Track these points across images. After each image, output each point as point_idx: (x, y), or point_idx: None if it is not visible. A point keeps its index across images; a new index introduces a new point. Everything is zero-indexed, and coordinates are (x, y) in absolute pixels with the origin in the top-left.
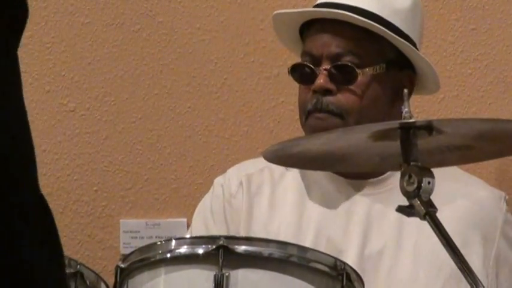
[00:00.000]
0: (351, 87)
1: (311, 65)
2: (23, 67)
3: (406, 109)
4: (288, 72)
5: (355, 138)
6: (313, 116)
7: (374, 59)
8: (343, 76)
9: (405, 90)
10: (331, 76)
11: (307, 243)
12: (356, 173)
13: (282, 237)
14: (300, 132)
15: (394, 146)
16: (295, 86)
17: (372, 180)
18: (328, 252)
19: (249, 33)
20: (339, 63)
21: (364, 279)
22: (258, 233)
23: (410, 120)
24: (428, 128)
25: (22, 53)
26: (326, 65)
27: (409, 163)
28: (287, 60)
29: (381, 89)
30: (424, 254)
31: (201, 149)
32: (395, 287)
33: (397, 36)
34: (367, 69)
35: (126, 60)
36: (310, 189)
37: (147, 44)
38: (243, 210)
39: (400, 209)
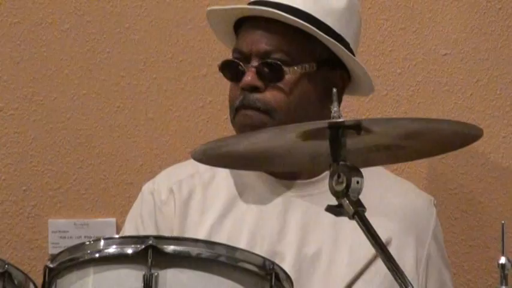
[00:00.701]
0: (279, 84)
1: (240, 62)
2: None
3: (336, 108)
4: (219, 69)
5: (284, 138)
6: (240, 113)
7: (304, 58)
8: (271, 73)
9: (334, 90)
10: (259, 73)
11: (242, 246)
12: (289, 174)
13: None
14: (229, 132)
15: (323, 145)
16: (223, 85)
17: (306, 181)
18: (264, 254)
19: (177, 33)
20: (267, 60)
21: (301, 280)
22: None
23: (339, 120)
24: (357, 127)
25: None
26: (254, 62)
27: (338, 162)
28: (215, 60)
29: (311, 88)
30: (361, 255)
31: (130, 148)
32: (332, 287)
33: (327, 36)
34: (296, 68)
35: (54, 60)
36: (243, 191)
37: (76, 44)
38: (175, 216)
39: (329, 209)
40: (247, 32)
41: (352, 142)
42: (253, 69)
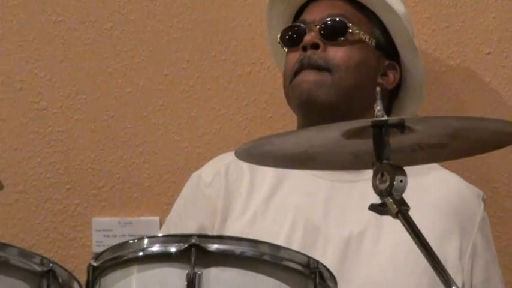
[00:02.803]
0: (340, 42)
1: (301, 24)
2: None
3: (379, 107)
4: (279, 38)
5: (328, 137)
6: (299, 75)
7: (364, 29)
8: (333, 30)
9: (377, 88)
10: (321, 32)
11: (286, 227)
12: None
13: (259, 222)
14: (273, 131)
15: (367, 144)
16: (267, 84)
17: None
18: (307, 234)
19: (221, 32)
20: (330, 18)
21: (346, 260)
22: (236, 218)
23: (383, 119)
24: (401, 126)
25: None
26: (315, 25)
27: (381, 161)
28: (259, 58)
29: (367, 59)
30: (404, 239)
31: (174, 147)
32: (376, 269)
33: (399, 12)
34: (358, 30)
35: (98, 59)
36: (288, 175)
37: (120, 42)
38: (219, 196)
39: (373, 207)
40: (311, 6)
41: (395, 141)
42: (315, 28)
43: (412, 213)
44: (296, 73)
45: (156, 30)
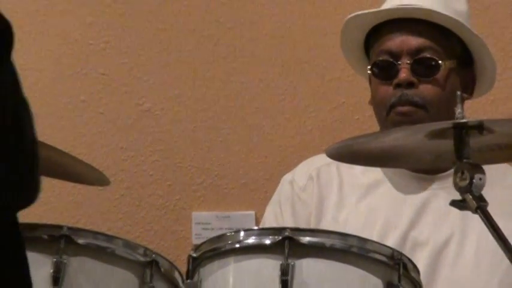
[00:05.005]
0: (432, 80)
1: (393, 61)
2: (104, 71)
3: (459, 110)
4: (369, 70)
5: (412, 137)
6: (396, 110)
7: (448, 55)
8: (425, 69)
9: (458, 93)
10: (413, 70)
11: (375, 233)
12: (422, 169)
13: (350, 226)
14: (360, 131)
15: (448, 144)
16: (354, 88)
17: (439, 175)
18: (397, 239)
19: (313, 39)
20: (421, 56)
21: (432, 265)
22: (328, 221)
23: (463, 121)
24: (480, 127)
25: (102, 58)
26: (407, 60)
27: (461, 160)
28: (347, 64)
29: (456, 83)
30: (487, 244)
31: (268, 146)
32: (460, 273)
33: (475, 32)
34: (446, 63)
35: (197, 64)
36: (380, 180)
37: (217, 49)
38: (313, 201)
39: (454, 203)
40: (393, 34)
41: (475, 141)
42: (408, 66)
43: (490, 209)
44: (392, 106)
45: (252, 38)
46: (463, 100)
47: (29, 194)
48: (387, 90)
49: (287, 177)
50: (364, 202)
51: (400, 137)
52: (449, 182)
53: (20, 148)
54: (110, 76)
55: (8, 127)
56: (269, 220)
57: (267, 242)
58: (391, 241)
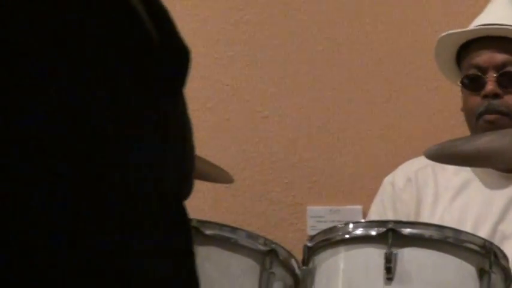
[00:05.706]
0: None
1: (481, 74)
2: (233, 84)
3: None
4: (460, 82)
5: (503, 140)
6: (484, 118)
7: None
8: (509, 81)
9: None
10: (498, 82)
11: (468, 227)
12: (509, 168)
13: (446, 222)
14: (455, 135)
15: None
16: (449, 97)
17: None
18: (488, 231)
19: (416, 53)
20: (505, 70)
21: None
22: (425, 219)
23: None
24: None
25: (231, 73)
26: (493, 74)
27: None
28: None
29: None
30: None
31: (374, 148)
32: None
33: None
34: None
35: (309, 78)
36: (471, 180)
37: (327, 66)
38: (413, 201)
39: None
40: (481, 50)
41: None
42: (494, 79)
43: None
44: (480, 114)
45: (361, 50)
46: None
47: (191, 189)
48: (476, 100)
49: (388, 179)
50: (457, 200)
51: (493, 140)
52: None
53: (190, 155)
54: (234, 87)
55: (190, 139)
56: (374, 217)
57: (373, 233)
58: (482, 234)
